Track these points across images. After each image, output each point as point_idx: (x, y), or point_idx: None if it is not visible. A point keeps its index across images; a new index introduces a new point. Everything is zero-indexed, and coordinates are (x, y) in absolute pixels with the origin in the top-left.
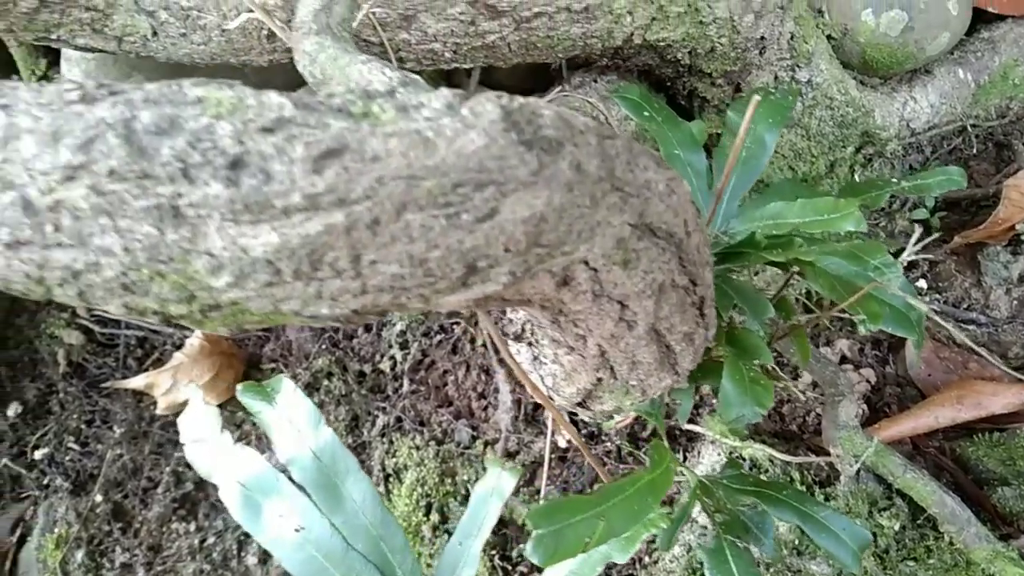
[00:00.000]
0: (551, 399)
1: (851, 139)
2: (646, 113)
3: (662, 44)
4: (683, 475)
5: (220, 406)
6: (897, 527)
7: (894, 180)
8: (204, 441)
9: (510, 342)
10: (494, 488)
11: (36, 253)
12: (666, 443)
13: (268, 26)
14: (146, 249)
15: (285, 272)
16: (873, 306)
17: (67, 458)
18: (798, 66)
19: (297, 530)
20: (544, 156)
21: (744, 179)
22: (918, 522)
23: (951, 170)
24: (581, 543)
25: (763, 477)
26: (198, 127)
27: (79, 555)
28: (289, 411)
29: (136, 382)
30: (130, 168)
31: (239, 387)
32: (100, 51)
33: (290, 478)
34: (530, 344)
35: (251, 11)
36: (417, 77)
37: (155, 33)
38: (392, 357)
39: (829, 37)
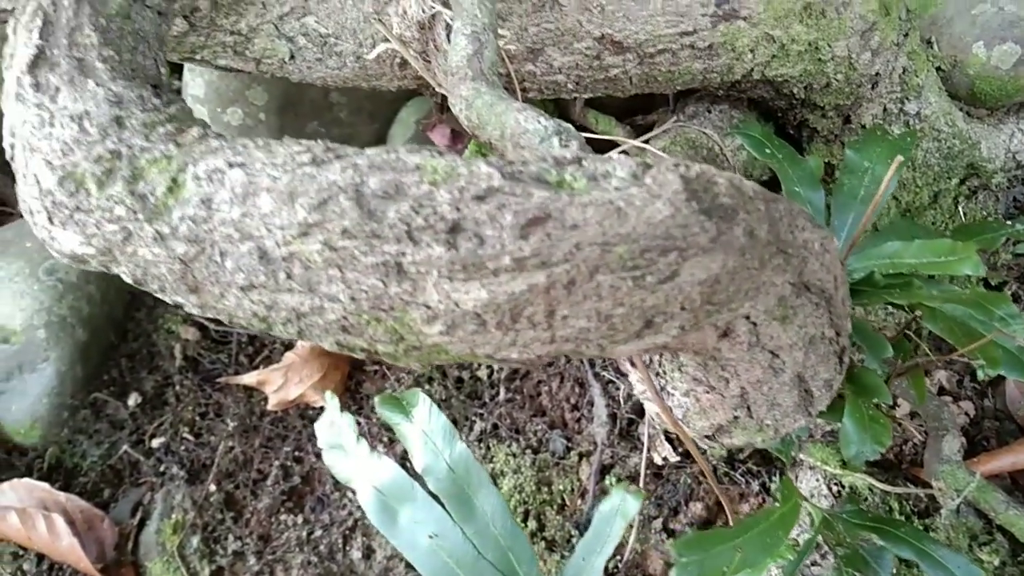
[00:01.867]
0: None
1: (956, 171)
2: (768, 151)
3: (780, 80)
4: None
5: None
6: (997, 563)
7: (1008, 223)
8: (341, 448)
9: (633, 371)
10: (618, 508)
11: (267, 296)
12: (790, 477)
13: (404, 56)
14: (370, 299)
15: (489, 323)
16: (993, 352)
17: (182, 448)
18: (907, 98)
19: (431, 537)
20: (722, 224)
21: (862, 218)
22: (1019, 558)
23: None
24: (720, 572)
25: (862, 507)
26: (420, 193)
27: (195, 541)
28: (425, 425)
29: (248, 378)
30: (360, 228)
31: (377, 399)
32: (238, 71)
33: (424, 487)
34: (657, 375)
35: (388, 42)
36: (569, 126)
37: (292, 57)
38: (490, 365)
39: (938, 68)
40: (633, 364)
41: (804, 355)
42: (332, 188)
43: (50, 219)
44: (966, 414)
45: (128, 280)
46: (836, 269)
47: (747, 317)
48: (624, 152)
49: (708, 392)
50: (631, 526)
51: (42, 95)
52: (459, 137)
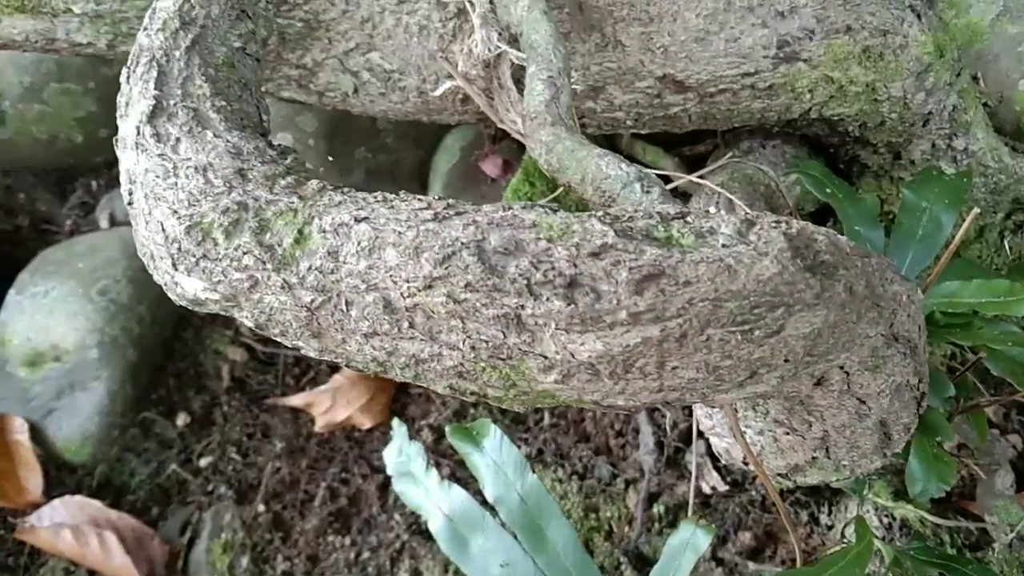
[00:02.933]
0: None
1: (1002, 205)
2: (828, 190)
3: (835, 118)
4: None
5: (373, 428)
6: None
7: None
8: (411, 476)
9: (700, 407)
10: (688, 543)
11: (388, 343)
12: (862, 515)
13: (468, 93)
14: (489, 348)
15: (603, 373)
16: None
17: (229, 467)
18: (956, 135)
19: (502, 566)
20: (825, 280)
21: (920, 256)
22: None
23: None
24: None
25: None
26: (538, 249)
27: (244, 560)
28: (496, 456)
29: (296, 400)
30: (483, 282)
31: (448, 428)
32: (300, 103)
33: (495, 517)
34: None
35: (453, 79)
36: (650, 172)
37: (356, 91)
38: None
39: (985, 104)
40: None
41: (889, 402)
42: (456, 244)
43: (174, 265)
44: (1014, 447)
45: (248, 324)
46: (920, 319)
47: (841, 367)
48: (679, 189)
49: (788, 434)
50: None
51: (163, 145)
52: (509, 167)
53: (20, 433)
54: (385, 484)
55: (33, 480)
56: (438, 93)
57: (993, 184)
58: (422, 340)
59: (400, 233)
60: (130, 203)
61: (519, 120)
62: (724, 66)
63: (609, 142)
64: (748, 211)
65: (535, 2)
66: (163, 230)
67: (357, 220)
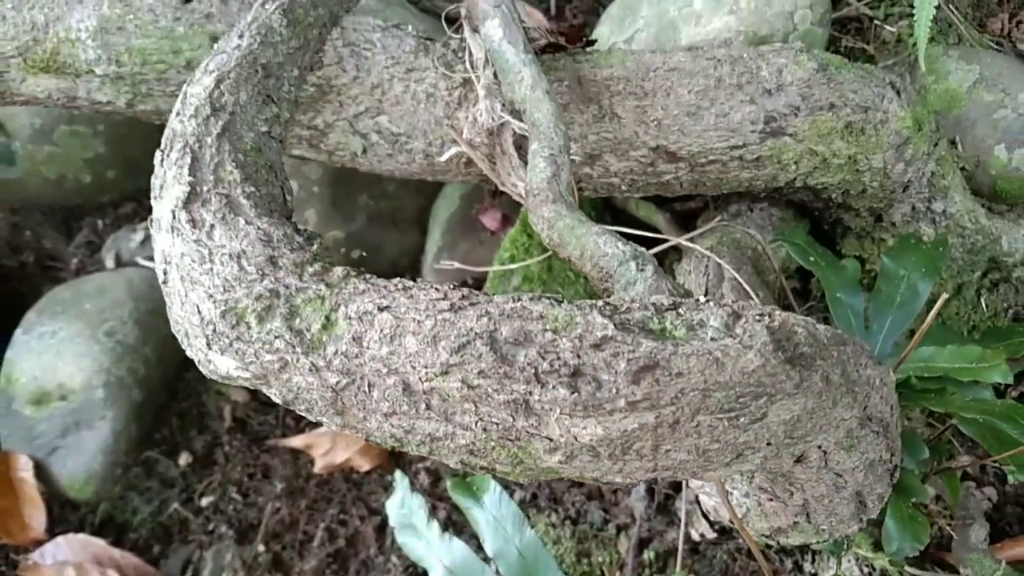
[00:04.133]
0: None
1: (979, 264)
2: (812, 258)
3: (819, 187)
4: None
5: (372, 470)
6: None
7: None
8: (413, 528)
9: None
10: None
11: (406, 422)
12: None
13: (472, 158)
14: (499, 430)
15: (603, 455)
16: (1022, 460)
17: (230, 507)
18: (935, 198)
19: None
20: (803, 371)
21: (898, 322)
22: None
23: None
24: None
25: None
26: (545, 341)
27: None
28: (496, 511)
29: (296, 441)
30: (495, 370)
31: (450, 483)
32: (310, 160)
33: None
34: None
35: (458, 144)
36: (644, 250)
37: (364, 151)
38: None
39: (962, 168)
40: None
41: (864, 475)
42: (470, 334)
43: (209, 345)
44: (989, 499)
45: (277, 400)
46: (892, 400)
47: (819, 446)
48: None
49: (772, 500)
50: None
51: (199, 231)
52: (508, 220)
53: (25, 470)
54: (383, 526)
55: (37, 517)
56: (444, 159)
57: (970, 244)
58: (438, 420)
59: (419, 322)
60: (164, 282)
61: (519, 184)
62: (714, 139)
63: (606, 198)
64: (734, 300)
65: (537, 82)
66: (199, 312)
67: (380, 309)
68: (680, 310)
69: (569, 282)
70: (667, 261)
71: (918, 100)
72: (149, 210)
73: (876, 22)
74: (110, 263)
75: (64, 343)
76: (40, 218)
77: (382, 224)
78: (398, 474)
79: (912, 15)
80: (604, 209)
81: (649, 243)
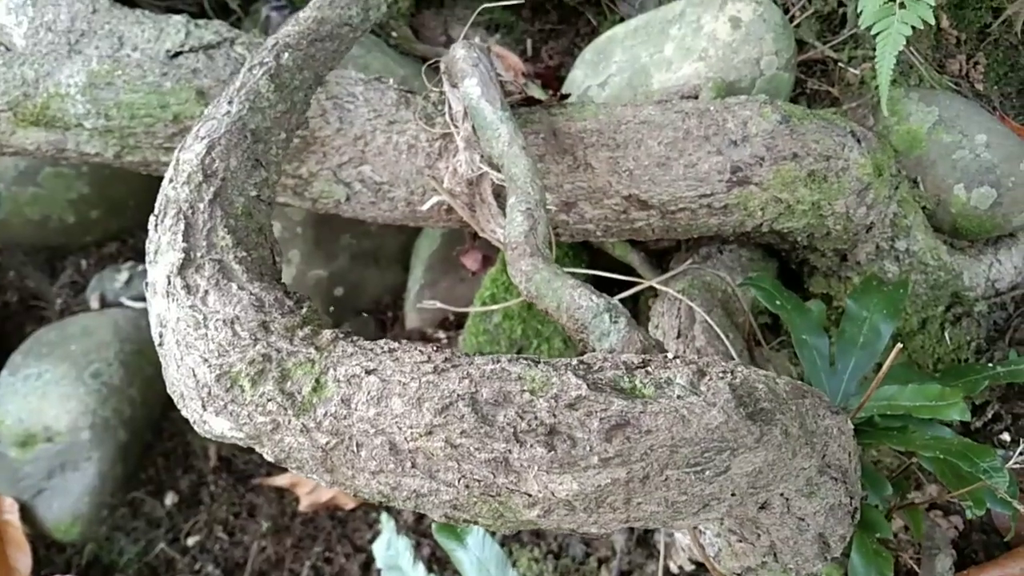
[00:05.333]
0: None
1: (942, 299)
2: (778, 302)
3: (785, 231)
4: None
5: (356, 508)
6: None
7: (990, 366)
8: (400, 570)
9: None
10: None
11: (392, 479)
12: None
13: (452, 206)
14: (481, 487)
15: (578, 508)
16: (979, 495)
17: (216, 546)
18: (897, 237)
19: None
20: (764, 426)
21: (862, 362)
22: None
23: None
24: None
25: None
26: (523, 401)
27: None
28: (479, 552)
29: (281, 480)
30: (476, 430)
31: (435, 526)
32: (294, 207)
33: None
34: None
35: (439, 193)
36: (617, 303)
37: (348, 199)
38: None
39: (924, 207)
40: None
41: (825, 519)
42: (453, 395)
43: (204, 407)
44: (955, 528)
45: (269, 458)
46: (850, 446)
47: (781, 494)
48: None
49: (741, 541)
50: None
51: (193, 297)
52: (488, 261)
53: (10, 513)
54: (368, 563)
55: (22, 560)
56: (425, 208)
57: (933, 280)
58: (422, 478)
59: (404, 384)
60: (160, 344)
61: (498, 230)
62: (683, 188)
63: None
64: (701, 351)
65: (514, 139)
66: (194, 375)
67: (367, 371)
68: (649, 368)
69: (547, 319)
70: (643, 298)
71: (879, 147)
72: (133, 249)
73: (840, 64)
74: (95, 303)
75: (50, 385)
76: (23, 258)
77: (364, 262)
78: (384, 516)
79: (875, 58)
80: (581, 248)
81: (624, 285)
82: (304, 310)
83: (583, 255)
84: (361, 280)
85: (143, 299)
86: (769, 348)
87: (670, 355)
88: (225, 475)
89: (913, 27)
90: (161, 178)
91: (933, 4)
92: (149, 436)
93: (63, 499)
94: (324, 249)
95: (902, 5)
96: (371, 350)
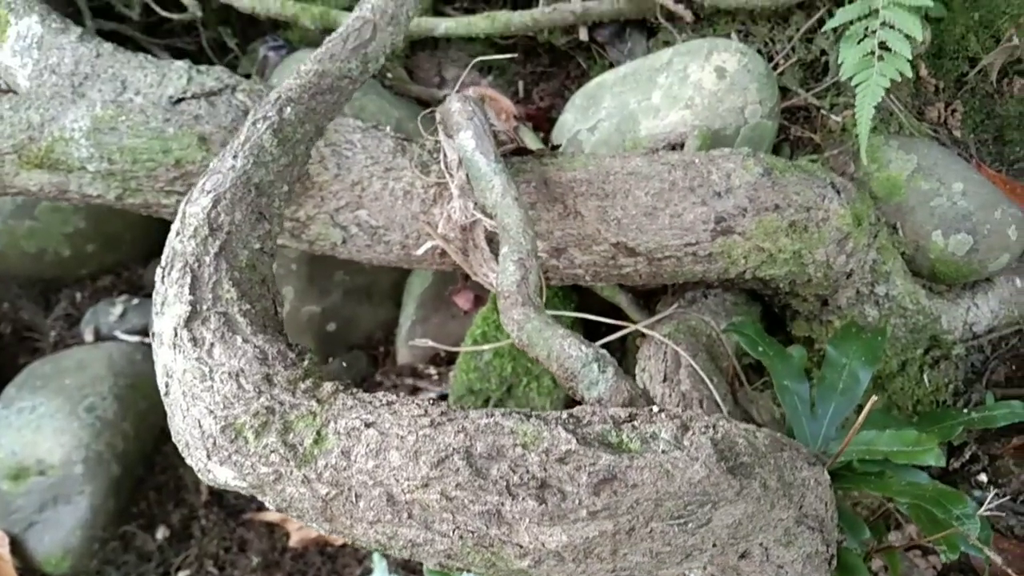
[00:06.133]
0: None
1: (921, 342)
2: (760, 349)
3: (768, 278)
4: None
5: (345, 545)
6: None
7: (965, 411)
8: None
9: None
10: None
11: (389, 529)
12: None
13: (446, 250)
14: (474, 537)
15: (567, 559)
16: (953, 540)
17: None
18: (877, 283)
19: None
20: (744, 480)
21: (842, 408)
22: None
23: (1014, 404)
24: None
25: None
26: (515, 455)
27: None
28: None
29: (272, 515)
30: (470, 483)
31: (426, 568)
32: (291, 248)
33: None
34: None
35: (433, 238)
36: (605, 352)
37: (344, 242)
38: None
39: (903, 253)
40: None
41: (803, 566)
42: (448, 449)
43: (208, 456)
44: (934, 568)
45: (270, 507)
46: (827, 496)
47: (760, 543)
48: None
49: None
50: None
51: (199, 349)
52: (480, 300)
53: (1, 546)
54: None
55: None
56: (420, 252)
57: (912, 324)
58: (418, 528)
59: (402, 437)
60: (166, 394)
61: (490, 274)
62: (669, 237)
63: None
64: (686, 396)
65: (507, 190)
66: (200, 426)
67: (366, 425)
68: (635, 422)
69: None
70: (630, 337)
71: (858, 197)
72: (127, 282)
73: (823, 111)
74: (89, 336)
75: (44, 419)
76: (18, 290)
77: (357, 298)
78: (376, 555)
79: (855, 106)
80: (571, 289)
81: (613, 327)
82: (305, 362)
83: (572, 296)
84: (354, 316)
85: (137, 332)
86: (753, 389)
87: (655, 408)
88: (216, 510)
89: (891, 79)
90: (160, 218)
91: (910, 57)
92: (141, 470)
93: (54, 532)
94: (318, 285)
95: (881, 58)
96: (370, 403)
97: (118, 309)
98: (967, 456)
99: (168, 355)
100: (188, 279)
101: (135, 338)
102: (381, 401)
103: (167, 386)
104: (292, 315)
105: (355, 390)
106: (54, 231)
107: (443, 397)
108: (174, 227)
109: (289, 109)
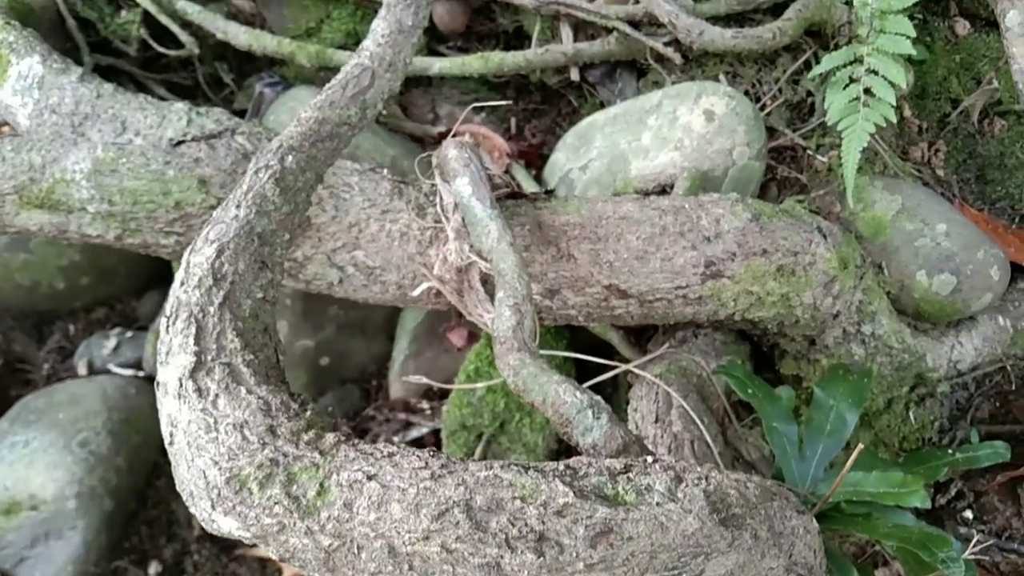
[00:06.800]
0: None
1: (907, 380)
2: (750, 391)
3: (756, 320)
4: None
5: None
6: None
7: (950, 452)
8: None
9: None
10: None
11: None
12: None
13: (441, 291)
14: None
15: None
16: None
17: None
18: (863, 322)
19: None
20: (735, 531)
21: (829, 449)
22: None
23: (997, 444)
24: None
25: None
26: (514, 508)
27: None
28: None
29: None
30: (470, 535)
31: None
32: (288, 287)
33: None
34: None
35: (429, 279)
36: (599, 399)
37: (340, 282)
38: None
39: (888, 292)
40: None
41: None
42: (449, 502)
43: (213, 507)
44: None
45: (274, 557)
46: (816, 544)
47: None
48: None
49: None
50: None
51: (204, 400)
52: (474, 337)
53: None
54: None
55: None
56: (416, 294)
57: (898, 362)
58: None
59: (403, 490)
60: (171, 443)
61: (485, 315)
62: (660, 280)
63: None
64: (675, 460)
65: (502, 236)
66: (205, 477)
67: (368, 477)
68: (631, 474)
69: None
70: (621, 374)
71: (844, 240)
72: (121, 315)
73: (809, 152)
74: (82, 369)
75: (37, 453)
76: (11, 322)
77: (351, 332)
78: None
79: (841, 146)
80: (564, 326)
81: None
82: (308, 413)
83: (564, 332)
84: (347, 349)
85: (131, 366)
86: (743, 425)
87: (650, 459)
88: (208, 545)
89: (876, 124)
90: (156, 257)
91: (894, 103)
92: (134, 504)
93: (46, 568)
94: (311, 320)
95: (866, 104)
96: (371, 455)
97: (112, 342)
98: (953, 493)
99: (173, 405)
100: (193, 329)
101: (128, 371)
102: (383, 452)
103: (172, 436)
104: (286, 349)
105: (356, 441)
106: (49, 264)
107: (436, 432)
108: (178, 276)
109: (291, 158)
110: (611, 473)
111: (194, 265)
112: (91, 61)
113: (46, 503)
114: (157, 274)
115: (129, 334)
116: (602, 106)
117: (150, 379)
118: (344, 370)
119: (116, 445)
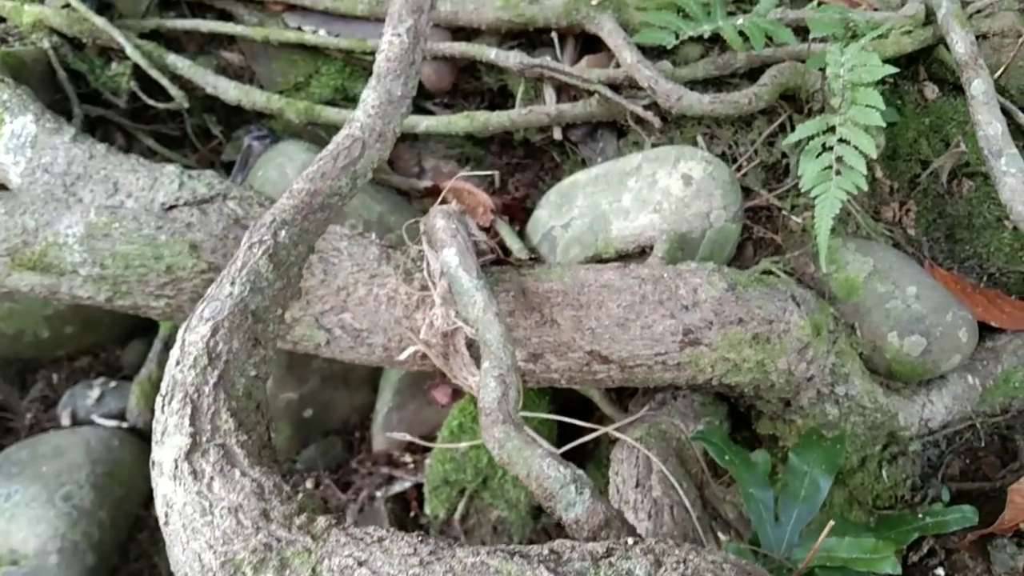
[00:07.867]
0: None
1: (879, 438)
2: (727, 457)
3: (733, 384)
4: None
5: None
6: None
7: (920, 517)
8: None
9: None
10: None
11: None
12: None
13: (427, 354)
14: None
15: None
16: None
17: None
18: (837, 383)
19: None
20: None
21: (803, 515)
22: None
23: (965, 509)
24: None
25: None
26: None
27: None
28: None
29: None
30: None
31: None
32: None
33: None
34: None
35: (415, 343)
36: (582, 473)
37: (327, 343)
38: None
39: (860, 353)
40: None
41: None
42: None
43: None
44: None
45: None
46: None
47: None
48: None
49: None
50: None
51: (200, 483)
52: (458, 394)
53: None
54: None
55: None
56: (403, 357)
57: (871, 421)
58: None
59: None
60: (166, 523)
61: (470, 378)
62: (640, 347)
63: None
64: (655, 542)
65: (488, 306)
66: (200, 560)
67: (359, 563)
68: (612, 559)
69: None
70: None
71: (817, 307)
72: (104, 363)
73: (784, 212)
74: (66, 420)
75: (19, 507)
76: None
77: (334, 384)
78: None
79: (815, 211)
80: None
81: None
82: (299, 495)
83: (547, 388)
84: (331, 401)
85: (115, 416)
86: (721, 483)
87: (631, 541)
88: None
89: (848, 191)
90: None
91: (865, 172)
92: (116, 558)
93: None
94: (295, 373)
95: (838, 172)
96: (361, 539)
97: (95, 392)
98: (925, 550)
99: (168, 486)
100: (188, 410)
101: (112, 423)
102: (372, 537)
103: (167, 516)
104: (270, 402)
105: (346, 525)
106: (34, 313)
107: (418, 487)
108: (173, 355)
109: (284, 232)
110: (593, 558)
111: (189, 344)
112: (81, 112)
113: (27, 558)
114: (141, 323)
115: (113, 384)
116: (584, 164)
117: (133, 430)
118: (327, 422)
119: (99, 499)
